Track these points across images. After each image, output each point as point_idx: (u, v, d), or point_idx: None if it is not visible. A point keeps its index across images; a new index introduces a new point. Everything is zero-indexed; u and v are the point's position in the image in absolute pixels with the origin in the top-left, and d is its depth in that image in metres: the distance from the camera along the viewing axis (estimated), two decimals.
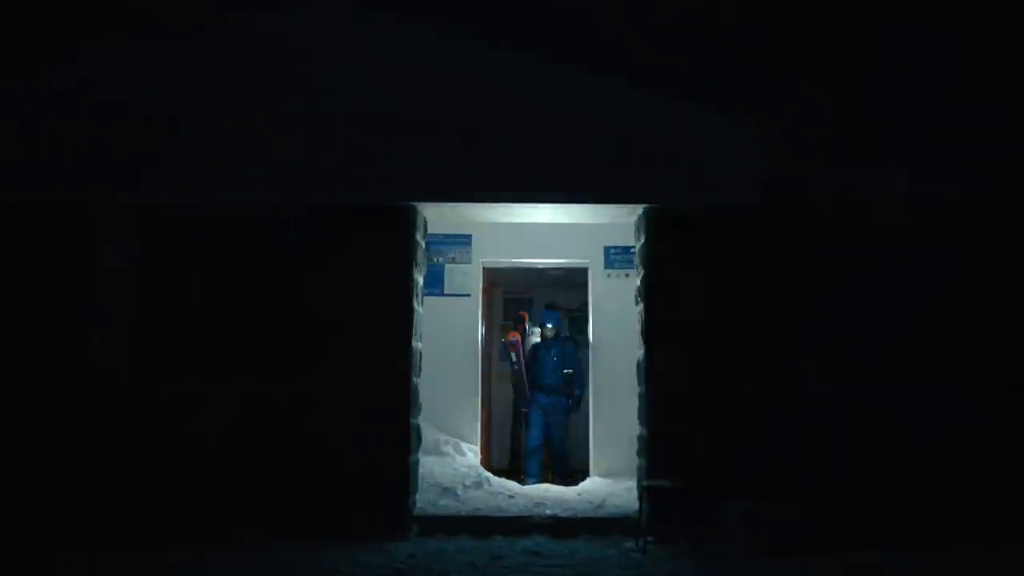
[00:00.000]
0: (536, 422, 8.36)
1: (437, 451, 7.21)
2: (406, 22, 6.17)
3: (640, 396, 6.42)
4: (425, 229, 6.77)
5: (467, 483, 6.97)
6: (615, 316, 7.73)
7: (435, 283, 7.81)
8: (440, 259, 7.86)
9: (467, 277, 7.97)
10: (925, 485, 6.05)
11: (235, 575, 5.12)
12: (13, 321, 6.22)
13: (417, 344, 6.43)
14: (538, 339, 8.91)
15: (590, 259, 8.13)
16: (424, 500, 6.49)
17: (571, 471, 8.19)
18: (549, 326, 8.47)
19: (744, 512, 5.87)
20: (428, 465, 6.82)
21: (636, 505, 6.19)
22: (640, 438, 6.39)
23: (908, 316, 6.29)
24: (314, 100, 6.19)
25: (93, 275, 6.27)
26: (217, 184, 6.20)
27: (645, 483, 6.08)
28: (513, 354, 8.42)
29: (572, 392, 8.41)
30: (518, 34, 6.11)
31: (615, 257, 8.02)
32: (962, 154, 6.43)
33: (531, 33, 6.08)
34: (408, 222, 6.38)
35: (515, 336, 8.55)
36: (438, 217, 6.84)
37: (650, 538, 5.89)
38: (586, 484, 7.48)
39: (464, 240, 7.91)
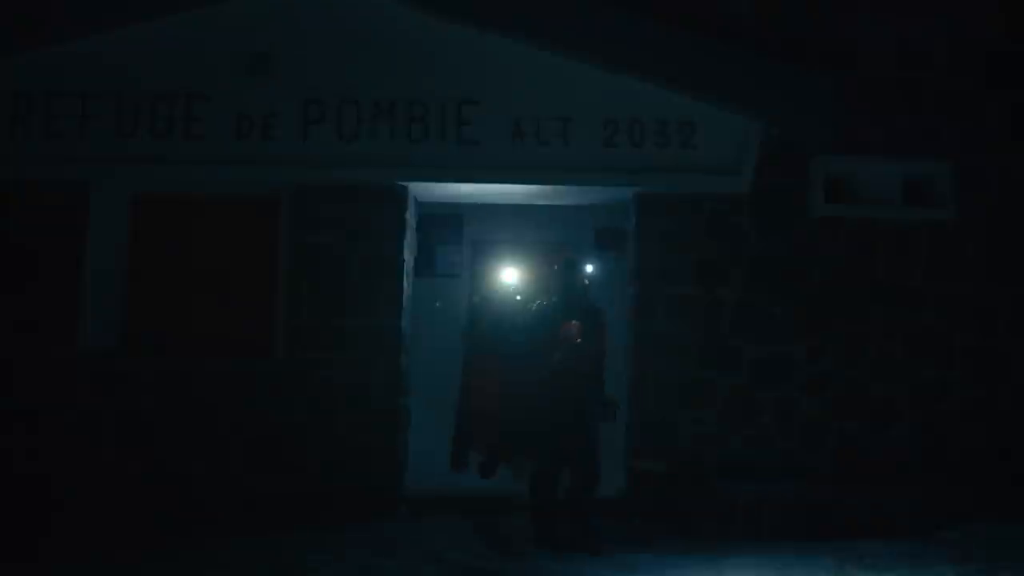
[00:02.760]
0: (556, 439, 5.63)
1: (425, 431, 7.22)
2: (400, 2, 6.14)
3: (629, 377, 6.44)
4: (416, 208, 6.77)
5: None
6: (605, 297, 7.72)
7: (426, 263, 7.77)
8: (431, 239, 7.82)
9: (457, 257, 7.94)
10: (920, 473, 6.12)
11: (218, 558, 5.15)
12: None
13: (407, 323, 6.44)
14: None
15: (581, 240, 8.12)
16: (414, 479, 6.50)
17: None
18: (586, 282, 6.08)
19: (729, 496, 5.91)
20: (417, 444, 6.83)
21: (622, 486, 6.23)
22: (628, 420, 6.42)
23: (898, 302, 6.35)
24: (307, 81, 6.18)
25: (88, 251, 6.27)
26: (211, 163, 6.19)
27: (630, 465, 6.12)
28: (558, 356, 5.65)
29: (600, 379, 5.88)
30: (512, 16, 6.09)
31: (606, 238, 7.99)
32: (953, 141, 6.48)
33: (526, 16, 6.07)
34: (399, 201, 6.37)
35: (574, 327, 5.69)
36: (429, 197, 6.84)
37: (635, 520, 5.94)
38: None
39: (455, 220, 7.87)
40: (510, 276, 6.79)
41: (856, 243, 6.41)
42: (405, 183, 6.37)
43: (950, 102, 6.52)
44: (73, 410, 6.06)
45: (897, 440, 6.27)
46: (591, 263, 6.15)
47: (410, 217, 6.53)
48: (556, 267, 6.08)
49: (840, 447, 6.26)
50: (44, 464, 5.98)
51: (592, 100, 6.23)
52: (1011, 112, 6.52)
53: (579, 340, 5.58)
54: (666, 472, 6.06)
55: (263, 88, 6.14)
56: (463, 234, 7.89)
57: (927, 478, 6.16)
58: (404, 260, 6.37)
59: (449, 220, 7.72)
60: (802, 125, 6.28)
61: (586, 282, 5.97)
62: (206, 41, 6.17)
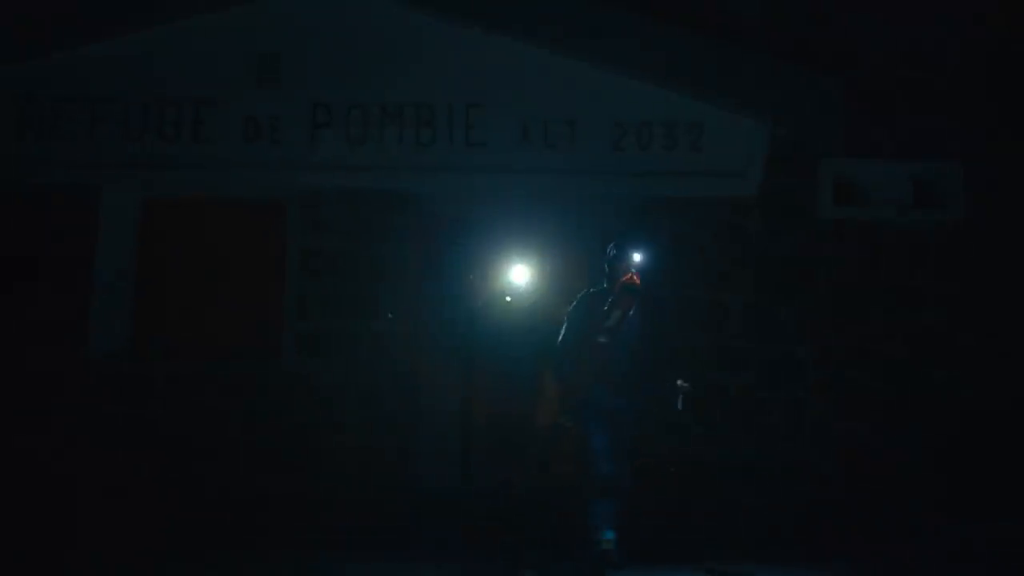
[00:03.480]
0: (602, 440, 5.11)
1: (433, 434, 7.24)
2: (406, 6, 6.14)
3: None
4: (423, 211, 6.75)
5: None
6: None
7: (432, 266, 7.74)
8: (438, 242, 7.79)
9: (464, 260, 7.90)
10: (926, 474, 6.16)
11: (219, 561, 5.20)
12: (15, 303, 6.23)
13: (414, 326, 6.47)
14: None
15: (590, 243, 8.11)
16: (420, 483, 6.48)
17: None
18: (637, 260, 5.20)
19: (735, 497, 5.96)
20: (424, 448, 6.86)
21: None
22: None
23: (904, 303, 6.38)
24: (314, 85, 6.20)
25: (97, 255, 6.32)
26: (219, 167, 6.23)
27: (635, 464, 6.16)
28: (616, 315, 5.03)
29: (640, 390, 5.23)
30: (520, 19, 6.09)
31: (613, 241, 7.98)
32: (960, 142, 6.48)
33: (532, 19, 6.07)
34: (406, 205, 6.41)
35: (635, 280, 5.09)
36: (436, 200, 6.83)
37: (639, 519, 5.97)
38: None
39: (462, 223, 7.84)
40: (518, 277, 6.79)
41: (863, 244, 6.43)
42: (412, 186, 6.39)
43: (956, 103, 6.52)
44: (80, 414, 6.10)
45: (902, 441, 6.29)
46: (640, 250, 5.19)
47: (416, 220, 6.54)
48: (609, 252, 5.32)
49: (846, 448, 6.28)
50: (49, 467, 6.00)
51: (600, 103, 6.23)
52: (1016, 112, 6.50)
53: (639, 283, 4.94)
54: (672, 472, 6.10)
55: (271, 92, 6.17)
56: (470, 237, 7.86)
57: (933, 478, 6.19)
58: (411, 264, 6.40)
59: (456, 223, 7.69)
60: (809, 127, 6.29)
61: (632, 271, 5.14)
62: (214, 46, 6.18)
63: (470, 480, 6.61)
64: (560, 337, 5.32)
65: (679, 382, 5.27)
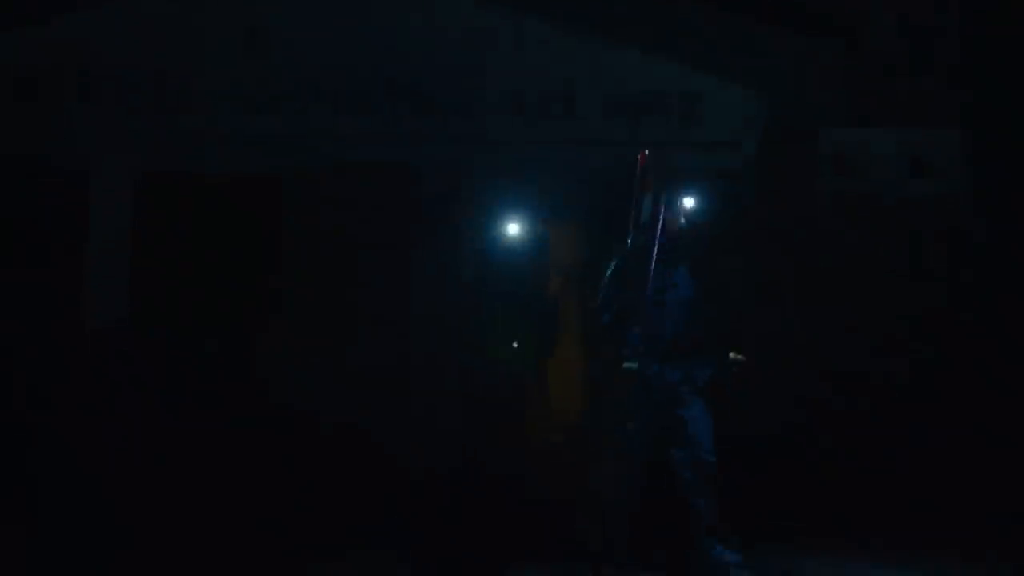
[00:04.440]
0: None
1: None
2: None
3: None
4: (420, 184, 6.72)
5: None
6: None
7: (431, 239, 7.71)
8: (435, 215, 7.75)
9: (462, 233, 7.87)
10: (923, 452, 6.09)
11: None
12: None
13: (411, 303, 6.44)
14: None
15: (585, 215, 8.09)
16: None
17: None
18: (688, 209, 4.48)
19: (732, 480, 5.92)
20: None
21: None
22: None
23: (902, 277, 6.32)
24: (308, 56, 6.16)
25: (91, 230, 6.31)
26: (211, 141, 6.20)
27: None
28: (648, 201, 4.35)
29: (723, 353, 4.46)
30: None
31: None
32: (961, 114, 6.41)
33: None
34: (402, 177, 6.38)
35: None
36: (432, 172, 6.81)
37: None
38: None
39: (459, 195, 7.81)
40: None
41: (861, 215, 6.37)
42: (408, 159, 6.37)
43: (958, 74, 6.44)
44: (74, 390, 6.09)
45: (900, 418, 6.24)
46: (690, 196, 4.27)
47: (414, 193, 6.51)
48: (640, 197, 4.51)
49: (846, 424, 6.24)
50: (42, 443, 6.00)
51: (593, 73, 6.18)
52: (1016, 83, 6.42)
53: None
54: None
55: (264, 64, 6.15)
56: (464, 210, 7.82)
57: (935, 456, 6.12)
58: (409, 237, 6.37)
59: (450, 196, 7.65)
60: (807, 97, 6.24)
61: (682, 220, 4.40)
62: (205, 16, 6.16)
63: (467, 469, 6.44)
64: (603, 283, 4.60)
65: (732, 355, 4.36)
